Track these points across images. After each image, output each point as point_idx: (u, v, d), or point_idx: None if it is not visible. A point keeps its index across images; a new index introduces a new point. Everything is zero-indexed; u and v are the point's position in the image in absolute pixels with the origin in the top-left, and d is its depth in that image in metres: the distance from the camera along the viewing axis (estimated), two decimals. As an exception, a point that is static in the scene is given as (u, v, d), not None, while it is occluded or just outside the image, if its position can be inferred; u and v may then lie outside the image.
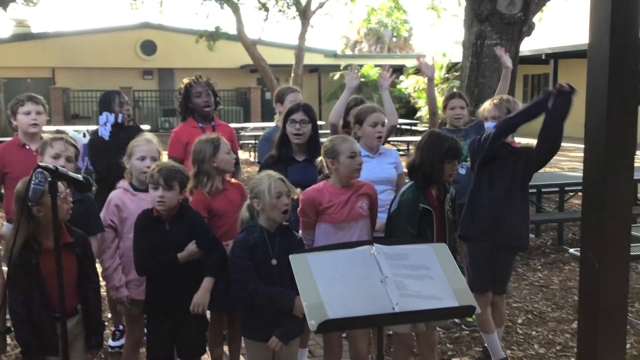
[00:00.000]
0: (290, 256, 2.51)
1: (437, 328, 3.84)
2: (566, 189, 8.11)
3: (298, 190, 3.30)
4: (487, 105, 4.15)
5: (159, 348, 3.40)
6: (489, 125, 4.01)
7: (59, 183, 2.75)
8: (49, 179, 2.44)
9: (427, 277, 2.49)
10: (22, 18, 28.08)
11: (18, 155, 4.16)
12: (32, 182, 2.66)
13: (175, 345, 3.42)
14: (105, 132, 4.68)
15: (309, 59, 26.06)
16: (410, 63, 25.41)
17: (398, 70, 26.21)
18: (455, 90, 6.96)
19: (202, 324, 3.50)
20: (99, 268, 3.38)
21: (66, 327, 2.58)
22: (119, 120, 4.70)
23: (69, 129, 11.19)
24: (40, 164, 2.47)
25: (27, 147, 4.19)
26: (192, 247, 3.32)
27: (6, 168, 4.13)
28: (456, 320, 5.05)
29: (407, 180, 3.64)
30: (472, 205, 4.00)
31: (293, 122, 3.94)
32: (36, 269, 2.88)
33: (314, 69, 27.85)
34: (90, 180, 2.62)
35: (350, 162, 3.45)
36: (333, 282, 2.42)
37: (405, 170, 3.76)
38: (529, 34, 8.41)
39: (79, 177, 2.60)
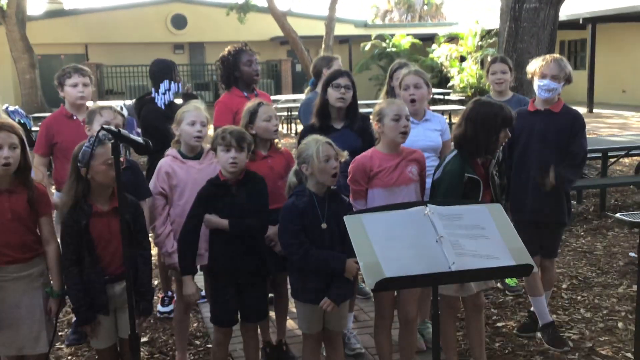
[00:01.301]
0: (345, 217, 2.52)
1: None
2: (609, 154, 7.96)
3: (345, 153, 3.30)
4: (546, 62, 3.92)
5: (223, 311, 3.42)
6: (546, 84, 3.88)
7: (105, 150, 2.81)
8: (111, 140, 2.49)
9: (482, 236, 2.48)
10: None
11: (66, 126, 4.23)
12: (85, 144, 2.73)
13: (238, 309, 3.44)
14: (161, 101, 4.72)
15: (339, 30, 25.86)
16: (442, 31, 25.01)
17: (430, 39, 25.83)
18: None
19: (264, 288, 3.54)
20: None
21: (132, 286, 2.64)
22: (180, 89, 4.75)
23: (107, 104, 11.30)
24: (104, 125, 2.52)
25: (75, 117, 4.26)
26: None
27: (55, 138, 4.21)
28: (499, 285, 5.04)
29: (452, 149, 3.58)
30: (513, 190, 3.97)
31: (338, 86, 3.94)
32: (85, 230, 2.93)
33: (344, 40, 27.62)
34: (149, 143, 2.66)
35: (395, 124, 3.40)
36: (388, 242, 2.42)
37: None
38: (569, -4, 8.18)
39: (140, 139, 2.64)
